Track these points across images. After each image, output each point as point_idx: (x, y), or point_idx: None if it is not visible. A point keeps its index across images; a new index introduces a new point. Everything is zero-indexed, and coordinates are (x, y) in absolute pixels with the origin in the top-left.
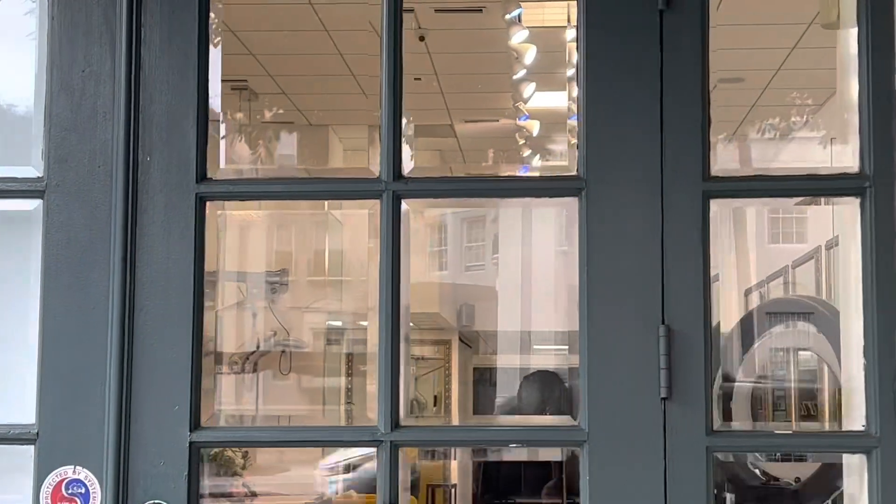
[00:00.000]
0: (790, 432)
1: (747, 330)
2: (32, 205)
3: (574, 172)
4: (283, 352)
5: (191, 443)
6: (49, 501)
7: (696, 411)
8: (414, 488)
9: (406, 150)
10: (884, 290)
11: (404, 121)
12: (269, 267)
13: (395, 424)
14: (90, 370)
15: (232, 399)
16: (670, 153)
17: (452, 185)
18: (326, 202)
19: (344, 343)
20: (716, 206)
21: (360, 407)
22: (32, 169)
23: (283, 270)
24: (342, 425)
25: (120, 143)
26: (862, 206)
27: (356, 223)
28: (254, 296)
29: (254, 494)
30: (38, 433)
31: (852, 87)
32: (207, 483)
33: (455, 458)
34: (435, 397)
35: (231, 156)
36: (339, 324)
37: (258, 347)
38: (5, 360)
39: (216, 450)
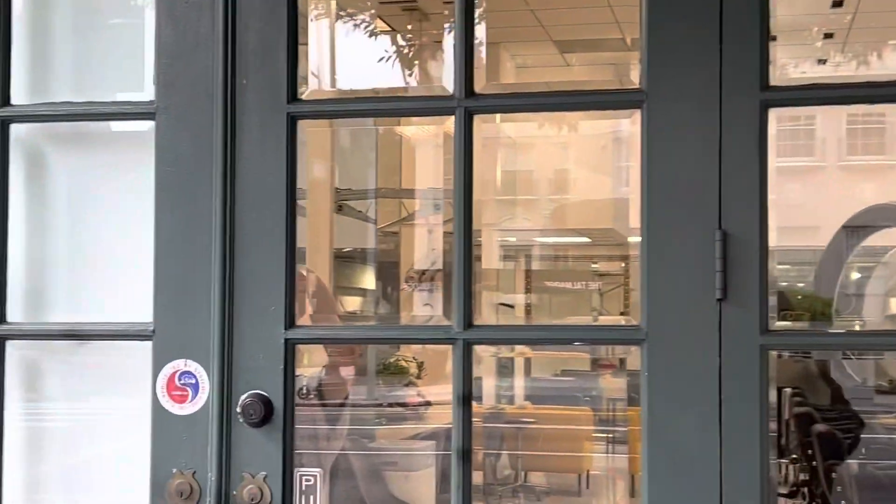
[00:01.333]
0: (843, 331)
1: None
2: (146, 126)
3: (637, 85)
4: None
5: (286, 339)
6: (165, 391)
7: (750, 311)
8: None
9: (480, 66)
10: None
11: (481, 37)
12: (437, 185)
13: (469, 324)
14: (197, 275)
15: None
16: (729, 64)
17: (520, 101)
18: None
19: (522, 259)
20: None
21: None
22: (145, 94)
23: (446, 187)
24: (422, 325)
25: (218, 68)
26: None
27: (542, 145)
28: (423, 213)
29: (428, 403)
30: (154, 330)
31: None
32: (384, 391)
33: None
34: (622, 313)
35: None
36: (513, 240)
37: (433, 264)
38: (126, 266)
39: (391, 359)
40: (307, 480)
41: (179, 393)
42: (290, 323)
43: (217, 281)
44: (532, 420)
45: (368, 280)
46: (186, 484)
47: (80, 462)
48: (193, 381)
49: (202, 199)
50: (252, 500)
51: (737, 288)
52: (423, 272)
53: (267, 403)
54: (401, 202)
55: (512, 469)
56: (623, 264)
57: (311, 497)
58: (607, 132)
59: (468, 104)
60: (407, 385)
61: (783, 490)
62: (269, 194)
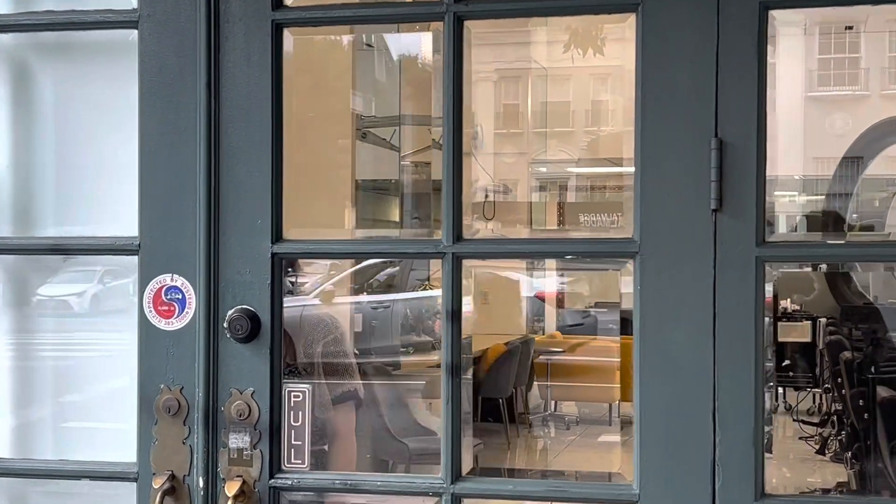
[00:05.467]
0: (842, 242)
1: None
2: (129, 35)
3: None
4: (486, 197)
5: (273, 254)
6: (151, 306)
7: (746, 223)
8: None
9: None
10: None
11: None
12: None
13: (458, 237)
14: (183, 188)
15: None
16: None
17: (511, 6)
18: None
19: (556, 191)
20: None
21: None
22: (129, 1)
23: (471, 113)
24: (411, 238)
25: None
26: None
27: (581, 76)
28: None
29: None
30: (139, 245)
31: None
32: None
33: None
34: None
35: None
36: (544, 170)
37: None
38: (110, 180)
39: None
40: (296, 396)
41: (166, 308)
42: (277, 236)
43: (202, 193)
44: (562, 350)
45: (396, 212)
46: (174, 400)
47: (71, 378)
48: (180, 296)
49: (187, 109)
50: (240, 416)
51: (733, 198)
52: None
53: (254, 318)
54: (429, 129)
55: (542, 398)
56: None
57: (300, 413)
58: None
59: (458, 9)
60: (435, 314)
61: (814, 419)
62: (256, 104)
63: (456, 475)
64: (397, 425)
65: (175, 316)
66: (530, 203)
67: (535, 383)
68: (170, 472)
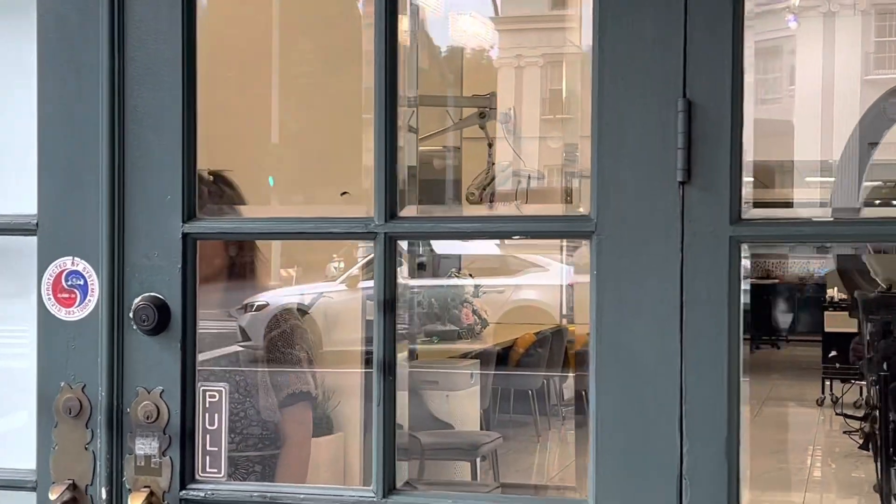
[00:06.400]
0: (830, 220)
1: None
2: None
3: None
4: (519, 183)
5: (184, 234)
6: (51, 293)
7: (719, 197)
8: None
9: None
10: None
11: None
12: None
13: (391, 215)
14: (85, 159)
15: None
16: None
17: None
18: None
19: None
20: None
21: None
22: None
23: (493, 94)
24: (337, 216)
25: None
26: None
27: None
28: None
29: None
30: (38, 224)
31: None
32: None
33: None
34: None
35: None
36: (579, 154)
37: (494, 178)
38: (7, 151)
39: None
40: (211, 397)
41: (67, 296)
42: (190, 214)
43: (105, 165)
44: None
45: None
46: (75, 399)
47: None
48: (82, 282)
49: (89, 69)
50: (147, 418)
51: (703, 169)
52: (484, 187)
53: (162, 308)
54: (446, 111)
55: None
56: None
57: (216, 415)
58: None
59: None
60: (462, 302)
61: (858, 413)
62: (165, 64)
63: (389, 488)
64: (410, 418)
65: (77, 304)
66: (568, 188)
67: (571, 375)
68: (70, 482)
